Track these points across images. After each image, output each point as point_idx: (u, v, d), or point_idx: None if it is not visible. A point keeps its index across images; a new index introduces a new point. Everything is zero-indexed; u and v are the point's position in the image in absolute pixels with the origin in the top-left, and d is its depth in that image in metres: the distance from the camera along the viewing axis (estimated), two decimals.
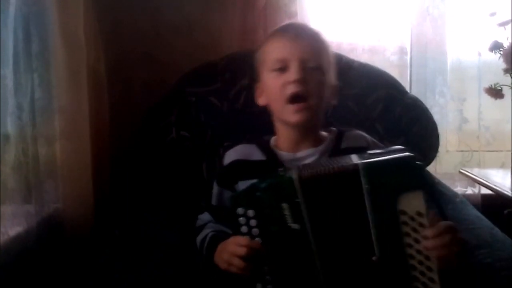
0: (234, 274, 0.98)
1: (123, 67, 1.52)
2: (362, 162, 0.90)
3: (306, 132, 1.14)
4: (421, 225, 0.88)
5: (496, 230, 1.22)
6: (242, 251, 0.96)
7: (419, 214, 0.88)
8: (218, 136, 1.36)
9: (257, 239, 0.95)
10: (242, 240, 0.96)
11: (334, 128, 1.19)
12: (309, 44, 1.11)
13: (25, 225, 1.09)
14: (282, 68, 1.10)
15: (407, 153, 0.91)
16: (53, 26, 1.18)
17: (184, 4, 1.55)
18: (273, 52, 1.12)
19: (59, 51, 1.19)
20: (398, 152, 0.92)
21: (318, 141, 1.15)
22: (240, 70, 1.38)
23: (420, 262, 0.90)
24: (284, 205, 0.91)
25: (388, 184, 0.88)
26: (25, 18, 1.12)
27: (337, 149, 1.13)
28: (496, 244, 1.15)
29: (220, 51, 1.49)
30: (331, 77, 1.15)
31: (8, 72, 1.04)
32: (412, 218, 0.88)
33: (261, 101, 1.18)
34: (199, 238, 1.14)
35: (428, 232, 0.88)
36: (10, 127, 1.06)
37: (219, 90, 1.37)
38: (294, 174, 0.91)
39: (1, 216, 1.00)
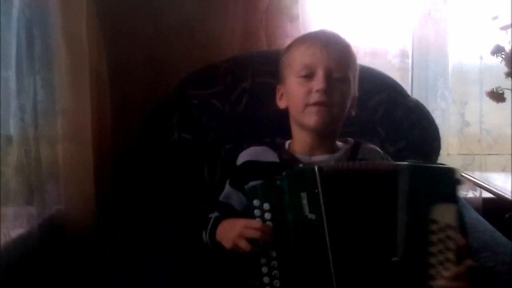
0: (237, 255, 1.00)
1: (125, 69, 1.52)
2: (407, 163, 0.93)
3: (323, 138, 1.15)
4: (448, 237, 0.91)
5: (497, 233, 1.23)
6: (251, 233, 0.97)
7: (450, 226, 0.91)
8: (220, 138, 1.36)
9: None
10: (253, 222, 0.97)
11: (351, 139, 1.20)
12: (338, 54, 1.12)
13: (27, 227, 1.08)
14: (308, 75, 1.11)
15: (451, 166, 0.95)
16: (55, 28, 1.18)
17: (186, 6, 1.55)
18: (301, 57, 1.13)
19: (62, 53, 1.19)
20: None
21: (334, 149, 1.16)
22: (242, 72, 1.38)
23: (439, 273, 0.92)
24: (303, 194, 0.94)
25: (428, 190, 0.91)
26: (28, 21, 1.12)
27: (353, 159, 1.13)
28: (498, 248, 1.15)
29: (221, 54, 1.49)
30: (354, 89, 1.16)
31: (11, 74, 1.04)
32: (442, 229, 0.91)
33: (281, 104, 1.19)
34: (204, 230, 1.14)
35: (449, 273, 0.91)
36: (13, 128, 1.05)
37: (221, 92, 1.37)
38: (316, 167, 0.95)
39: (3, 218, 1.00)
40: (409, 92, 1.55)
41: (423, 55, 1.77)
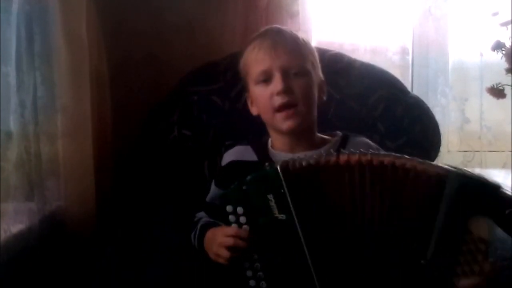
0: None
1: (125, 66, 1.52)
2: (454, 170, 0.90)
3: (301, 136, 1.14)
4: (478, 250, 0.89)
5: (498, 229, 1.22)
6: (229, 241, 0.96)
7: (482, 240, 0.89)
8: (220, 135, 1.36)
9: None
10: (229, 230, 0.97)
11: (340, 132, 1.19)
12: (289, 50, 1.11)
13: (27, 223, 1.09)
14: (266, 79, 1.11)
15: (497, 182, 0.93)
16: (55, 25, 1.18)
17: (186, 4, 1.55)
18: (254, 64, 1.13)
19: (62, 50, 1.19)
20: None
21: (316, 143, 1.15)
22: None
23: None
24: (270, 196, 0.92)
25: (473, 200, 0.89)
26: (28, 17, 1.12)
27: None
28: (497, 244, 1.15)
29: (221, 51, 1.49)
30: (317, 75, 1.15)
31: (11, 70, 1.05)
32: (474, 241, 0.89)
33: (253, 110, 1.19)
34: (192, 233, 1.15)
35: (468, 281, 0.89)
36: (13, 124, 1.06)
37: (221, 89, 1.38)
38: (278, 166, 0.92)
39: (4, 214, 1.00)
40: (409, 89, 1.55)
41: (423, 52, 1.78)
